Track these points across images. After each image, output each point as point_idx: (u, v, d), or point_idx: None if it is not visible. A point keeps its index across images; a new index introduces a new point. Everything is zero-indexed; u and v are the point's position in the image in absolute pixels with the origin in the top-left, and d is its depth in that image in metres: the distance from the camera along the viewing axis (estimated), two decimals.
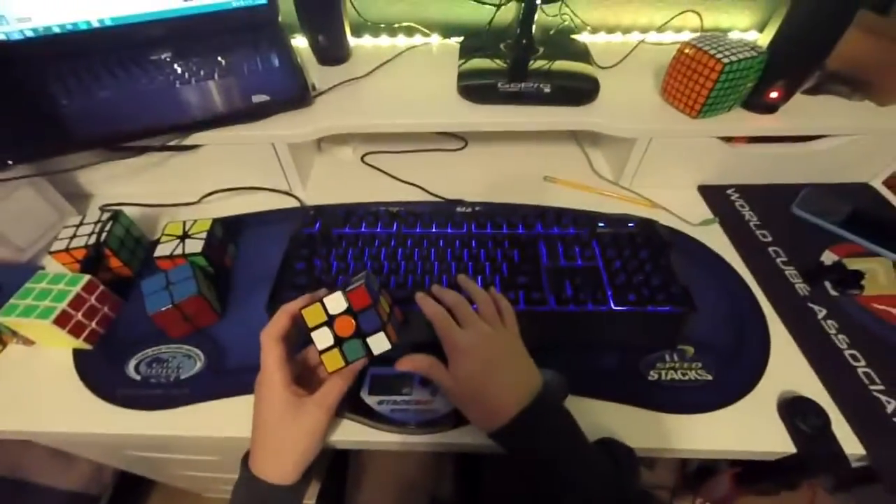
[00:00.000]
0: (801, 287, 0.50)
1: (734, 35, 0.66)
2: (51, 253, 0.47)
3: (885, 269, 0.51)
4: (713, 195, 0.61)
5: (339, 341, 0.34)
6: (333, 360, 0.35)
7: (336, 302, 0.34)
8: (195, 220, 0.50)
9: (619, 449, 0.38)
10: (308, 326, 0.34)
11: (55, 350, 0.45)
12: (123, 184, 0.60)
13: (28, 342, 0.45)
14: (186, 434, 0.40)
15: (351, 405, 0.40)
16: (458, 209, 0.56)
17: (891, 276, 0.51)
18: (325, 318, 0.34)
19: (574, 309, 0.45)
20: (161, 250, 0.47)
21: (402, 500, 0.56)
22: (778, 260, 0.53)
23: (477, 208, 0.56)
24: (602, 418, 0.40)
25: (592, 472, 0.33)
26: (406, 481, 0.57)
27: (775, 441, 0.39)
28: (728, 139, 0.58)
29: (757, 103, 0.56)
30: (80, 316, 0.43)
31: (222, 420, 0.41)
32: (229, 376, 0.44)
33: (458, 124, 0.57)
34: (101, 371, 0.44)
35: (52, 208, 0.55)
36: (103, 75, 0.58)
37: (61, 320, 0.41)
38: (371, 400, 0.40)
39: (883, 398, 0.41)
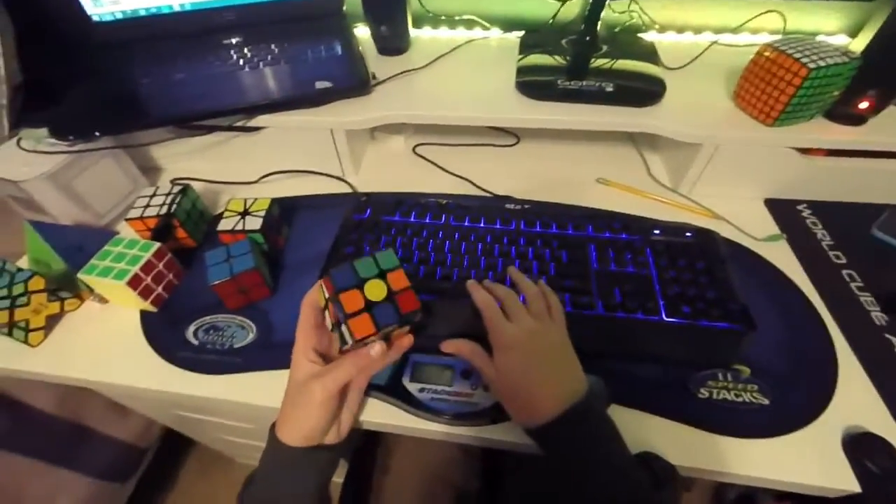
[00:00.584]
0: (878, 316, 0.46)
1: (820, 39, 0.61)
2: (127, 220, 0.51)
3: None
4: (782, 210, 0.57)
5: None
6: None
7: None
8: (255, 199, 0.52)
9: (659, 464, 0.36)
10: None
11: (125, 309, 0.49)
12: (191, 160, 0.64)
13: (103, 300, 0.49)
14: (233, 399, 0.42)
15: (391, 390, 0.41)
16: (508, 206, 0.55)
17: None
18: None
19: (622, 316, 0.44)
20: (224, 225, 0.50)
21: (428, 489, 0.56)
22: (852, 284, 0.49)
23: (526, 206, 0.56)
24: (644, 432, 0.38)
25: (627, 482, 0.32)
26: (433, 472, 0.58)
27: (837, 478, 0.36)
28: (805, 151, 0.54)
29: (842, 114, 0.51)
30: (149, 280, 0.46)
31: (264, 390, 0.42)
32: (276, 350, 0.45)
33: (515, 120, 0.57)
34: (163, 333, 0.47)
35: (128, 179, 0.60)
36: (180, 57, 0.61)
37: (134, 282, 0.45)
38: (412, 387, 0.41)
39: None
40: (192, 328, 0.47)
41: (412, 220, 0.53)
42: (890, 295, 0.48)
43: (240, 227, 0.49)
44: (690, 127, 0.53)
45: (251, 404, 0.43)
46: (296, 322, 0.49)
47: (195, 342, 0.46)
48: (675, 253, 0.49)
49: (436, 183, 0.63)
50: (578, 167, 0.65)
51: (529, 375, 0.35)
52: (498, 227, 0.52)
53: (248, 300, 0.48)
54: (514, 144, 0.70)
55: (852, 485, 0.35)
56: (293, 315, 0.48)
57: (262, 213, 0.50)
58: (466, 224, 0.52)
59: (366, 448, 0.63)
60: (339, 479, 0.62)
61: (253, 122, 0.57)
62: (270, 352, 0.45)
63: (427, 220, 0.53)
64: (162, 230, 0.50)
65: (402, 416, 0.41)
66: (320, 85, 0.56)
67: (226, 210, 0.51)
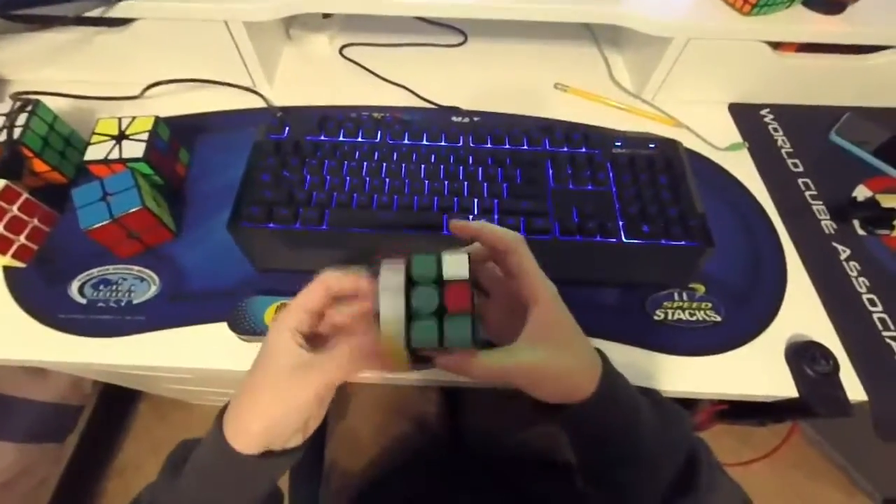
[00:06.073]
0: (828, 224, 0.46)
1: None
2: None
3: None
4: (745, 116, 0.54)
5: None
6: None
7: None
8: (133, 118, 0.41)
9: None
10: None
11: None
12: (46, 67, 0.50)
13: None
14: (141, 363, 0.36)
15: None
16: (454, 118, 0.48)
17: None
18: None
19: (580, 239, 0.40)
20: (93, 153, 0.39)
21: (386, 423, 0.55)
22: (807, 193, 0.48)
23: (475, 118, 0.48)
24: None
25: (668, 418, 0.29)
26: (390, 405, 0.56)
27: (777, 385, 0.37)
28: (776, 46, 0.49)
29: (822, 1, 0.46)
30: (1, 229, 0.36)
31: (185, 349, 0.37)
32: (190, 302, 0.39)
33: (459, 7, 0.46)
34: (39, 292, 0.38)
35: None
36: None
37: None
38: None
39: (894, 345, 0.39)
40: (75, 284, 0.38)
41: (341, 139, 0.44)
42: (840, 202, 0.47)
43: (115, 154, 0.39)
44: (661, 16, 0.46)
45: (170, 366, 0.37)
46: (213, 265, 0.42)
47: (82, 301, 0.38)
48: (637, 167, 0.44)
49: (370, 93, 0.53)
50: (534, 71, 0.57)
51: (572, 331, 0.28)
52: (443, 144, 0.45)
53: (144, 246, 0.40)
54: (460, 44, 0.59)
55: (793, 391, 0.37)
56: (207, 258, 0.41)
57: (145, 136, 0.40)
58: (406, 142, 0.44)
59: None
60: None
61: (115, 12, 0.43)
62: (182, 305, 0.39)
63: (360, 139, 0.44)
64: (9, 163, 0.38)
65: None
66: None
67: (93, 134, 0.40)
